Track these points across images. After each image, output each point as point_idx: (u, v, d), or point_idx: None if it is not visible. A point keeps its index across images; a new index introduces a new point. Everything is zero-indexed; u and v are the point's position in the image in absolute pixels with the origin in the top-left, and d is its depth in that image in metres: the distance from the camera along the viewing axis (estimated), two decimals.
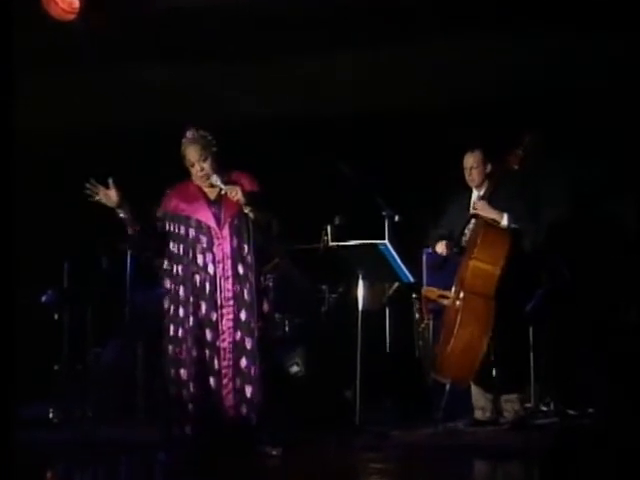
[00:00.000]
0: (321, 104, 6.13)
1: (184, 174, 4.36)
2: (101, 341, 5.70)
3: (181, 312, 4.18)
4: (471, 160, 5.01)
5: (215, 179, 4.17)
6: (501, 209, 4.89)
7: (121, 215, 4.14)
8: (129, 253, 5.22)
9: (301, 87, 5.98)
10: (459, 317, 4.68)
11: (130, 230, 4.19)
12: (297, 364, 5.30)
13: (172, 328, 4.20)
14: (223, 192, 4.17)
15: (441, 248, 5.01)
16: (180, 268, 4.22)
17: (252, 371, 4.14)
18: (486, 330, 4.65)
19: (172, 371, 4.18)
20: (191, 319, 4.15)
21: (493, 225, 4.80)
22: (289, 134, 6.25)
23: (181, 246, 4.23)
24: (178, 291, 4.20)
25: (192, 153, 4.19)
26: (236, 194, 4.13)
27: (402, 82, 5.97)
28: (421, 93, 6.01)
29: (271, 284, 5.23)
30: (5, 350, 2.66)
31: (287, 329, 5.63)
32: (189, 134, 4.25)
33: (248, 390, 4.12)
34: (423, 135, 6.11)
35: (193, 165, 4.21)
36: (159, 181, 4.40)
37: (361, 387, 4.76)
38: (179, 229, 4.24)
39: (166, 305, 4.25)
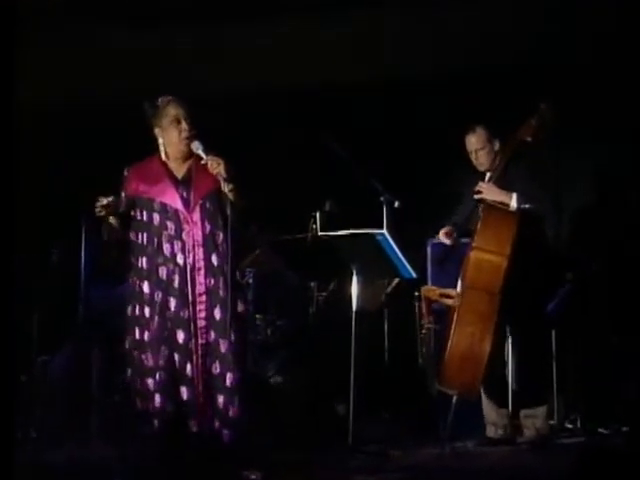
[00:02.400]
0: (308, 71, 5.91)
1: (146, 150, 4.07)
2: (49, 348, 5.30)
3: (147, 312, 3.92)
4: (474, 141, 4.67)
5: (197, 145, 3.91)
6: (513, 190, 4.56)
7: (111, 221, 3.96)
8: (83, 244, 4.75)
9: (285, 53, 5.76)
10: (456, 316, 4.45)
11: (112, 236, 4.01)
12: (279, 373, 5.11)
13: (138, 331, 3.92)
14: (203, 162, 3.89)
15: (444, 236, 4.74)
16: (144, 261, 3.93)
17: (227, 379, 3.88)
18: (488, 330, 4.38)
19: (139, 381, 3.91)
20: (156, 319, 3.89)
21: (495, 207, 4.52)
22: (270, 106, 6.02)
23: (144, 235, 3.94)
24: (142, 287, 3.93)
25: (180, 109, 3.96)
26: (218, 166, 3.85)
27: (402, 48, 5.77)
28: (422, 60, 5.83)
29: (251, 280, 5.22)
30: None
31: (269, 332, 5.38)
32: (172, 97, 4.03)
33: (220, 400, 3.87)
34: (428, 107, 5.89)
35: (179, 122, 3.94)
36: (118, 160, 4.15)
37: (355, 400, 4.53)
38: (141, 215, 3.96)
39: (129, 305, 4.00)
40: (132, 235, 3.98)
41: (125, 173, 4.01)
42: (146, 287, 3.92)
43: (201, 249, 3.91)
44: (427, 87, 5.94)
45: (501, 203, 4.52)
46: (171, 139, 3.96)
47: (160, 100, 3.98)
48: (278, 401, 4.94)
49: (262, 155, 5.82)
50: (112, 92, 5.96)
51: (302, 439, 4.60)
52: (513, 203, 4.48)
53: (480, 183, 4.63)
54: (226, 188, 3.85)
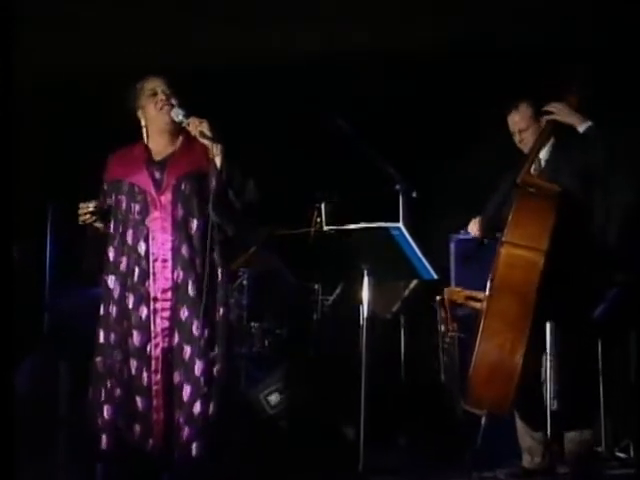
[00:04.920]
0: (312, 39, 5.70)
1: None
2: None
3: (114, 311, 3.77)
4: (517, 119, 4.48)
5: (177, 112, 3.78)
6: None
7: (97, 224, 3.81)
8: (49, 240, 4.71)
9: (284, 17, 5.50)
10: (482, 323, 4.20)
11: (91, 233, 3.88)
12: (278, 391, 4.94)
13: (102, 335, 3.77)
14: (184, 124, 3.78)
15: (473, 227, 4.59)
16: (111, 252, 3.81)
17: (187, 391, 3.67)
18: (520, 340, 4.10)
19: (102, 392, 3.72)
20: (117, 318, 3.78)
21: (530, 195, 4.27)
22: (267, 78, 5.83)
23: (114, 222, 3.82)
24: (108, 283, 3.78)
25: (157, 82, 3.88)
26: (200, 124, 3.71)
27: (421, 15, 5.51)
28: (441, 29, 5.61)
29: (245, 282, 5.17)
30: None
31: (266, 343, 5.32)
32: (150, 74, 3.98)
33: (180, 417, 3.66)
34: (451, 80, 5.65)
35: (155, 94, 3.86)
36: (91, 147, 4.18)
37: (366, 422, 4.32)
38: (112, 200, 3.85)
39: (101, 305, 3.89)
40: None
41: (108, 159, 3.92)
42: (111, 282, 3.75)
43: (170, 237, 3.72)
44: (451, 57, 5.74)
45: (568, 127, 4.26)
46: (150, 113, 3.84)
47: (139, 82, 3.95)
48: (274, 424, 4.81)
49: (259, 137, 5.68)
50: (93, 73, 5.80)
51: (304, 467, 4.40)
52: (581, 128, 4.23)
53: (552, 103, 4.37)
54: (214, 150, 3.66)
